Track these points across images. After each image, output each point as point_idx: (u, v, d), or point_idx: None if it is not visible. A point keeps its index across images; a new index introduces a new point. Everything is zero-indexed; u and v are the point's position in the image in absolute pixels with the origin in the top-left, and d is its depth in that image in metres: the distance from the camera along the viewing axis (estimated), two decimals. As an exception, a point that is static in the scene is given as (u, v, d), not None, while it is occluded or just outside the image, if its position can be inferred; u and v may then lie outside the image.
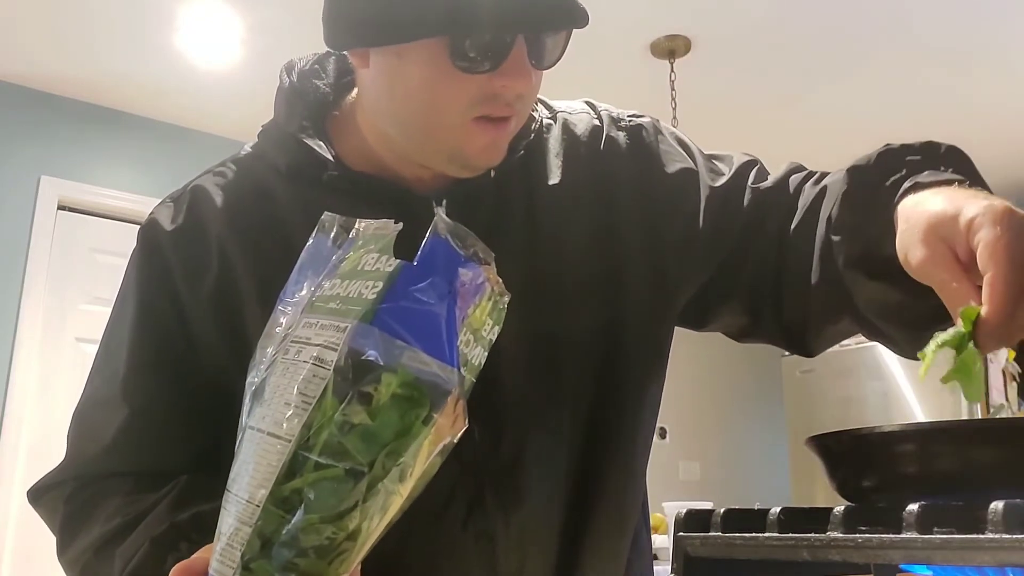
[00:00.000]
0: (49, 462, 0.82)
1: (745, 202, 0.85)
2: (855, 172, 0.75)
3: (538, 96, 0.90)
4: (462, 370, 0.53)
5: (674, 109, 3.32)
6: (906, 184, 0.67)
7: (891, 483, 0.53)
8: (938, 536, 0.43)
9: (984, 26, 3.21)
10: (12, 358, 3.33)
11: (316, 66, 0.86)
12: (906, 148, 0.73)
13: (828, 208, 0.77)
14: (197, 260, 0.80)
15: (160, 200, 0.87)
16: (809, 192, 0.82)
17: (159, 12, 3.06)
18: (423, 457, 0.52)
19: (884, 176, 0.70)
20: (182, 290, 0.79)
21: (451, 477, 0.76)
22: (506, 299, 0.58)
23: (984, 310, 0.55)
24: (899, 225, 0.65)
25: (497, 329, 0.58)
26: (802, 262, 0.79)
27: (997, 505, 0.41)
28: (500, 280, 0.57)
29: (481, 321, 0.56)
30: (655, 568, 1.07)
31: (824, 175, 0.84)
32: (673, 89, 3.34)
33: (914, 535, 0.43)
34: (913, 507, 0.44)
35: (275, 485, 0.49)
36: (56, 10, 3.05)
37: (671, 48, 3.27)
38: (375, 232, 0.56)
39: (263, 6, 3.03)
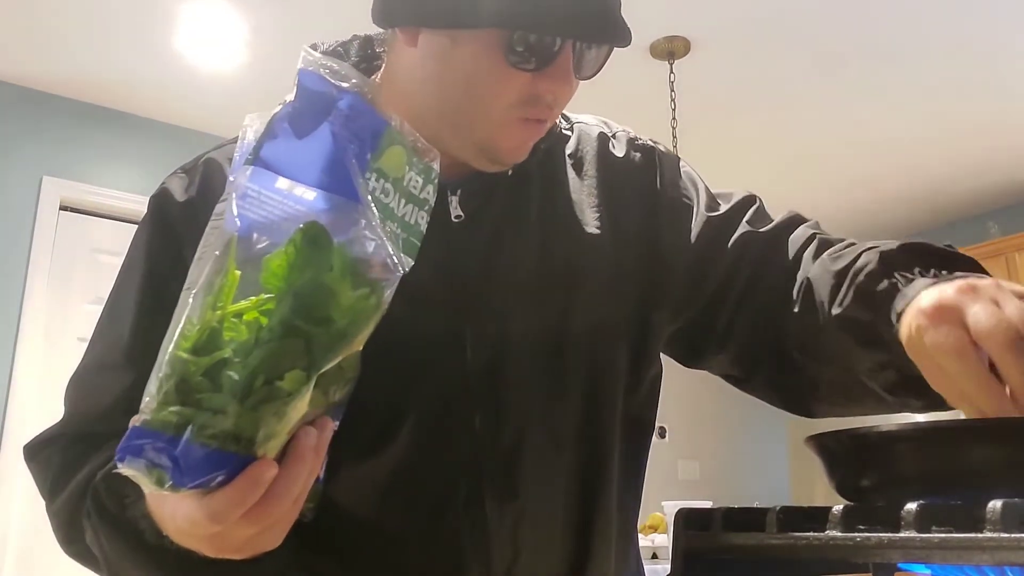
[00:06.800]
0: (51, 461, 0.82)
1: (736, 236, 0.88)
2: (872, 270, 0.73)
3: None
4: (378, 213, 0.54)
5: (673, 110, 3.32)
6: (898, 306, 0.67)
7: (890, 482, 0.53)
8: (936, 535, 0.43)
9: (985, 25, 3.21)
10: (14, 358, 3.34)
11: (339, 49, 0.86)
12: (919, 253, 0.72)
13: (842, 299, 0.76)
14: None
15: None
16: (811, 268, 0.82)
17: (161, 12, 3.06)
18: (345, 290, 0.52)
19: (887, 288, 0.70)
20: (190, 260, 0.80)
21: (452, 468, 0.78)
22: (432, 159, 0.59)
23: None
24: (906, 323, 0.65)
25: (431, 189, 0.60)
26: (807, 332, 0.80)
27: (995, 504, 0.41)
28: (415, 131, 0.59)
29: (398, 169, 0.57)
30: (655, 567, 1.06)
31: (824, 244, 0.84)
32: (672, 90, 3.34)
33: (912, 534, 0.43)
34: (912, 506, 0.44)
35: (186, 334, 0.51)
36: (59, 11, 3.06)
37: (670, 49, 3.28)
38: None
39: (265, 7, 3.03)
